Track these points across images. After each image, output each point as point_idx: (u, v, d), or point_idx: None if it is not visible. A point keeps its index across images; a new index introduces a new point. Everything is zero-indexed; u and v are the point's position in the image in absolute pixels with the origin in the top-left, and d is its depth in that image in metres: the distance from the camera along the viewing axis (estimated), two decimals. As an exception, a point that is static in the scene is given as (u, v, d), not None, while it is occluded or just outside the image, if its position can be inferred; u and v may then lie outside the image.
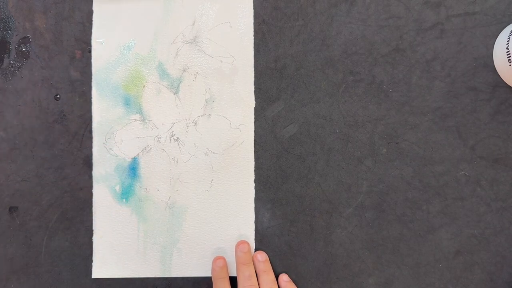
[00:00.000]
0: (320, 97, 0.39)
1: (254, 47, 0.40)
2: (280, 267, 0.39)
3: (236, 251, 0.38)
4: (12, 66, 0.41)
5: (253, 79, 0.40)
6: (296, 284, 0.38)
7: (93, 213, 0.40)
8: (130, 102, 0.41)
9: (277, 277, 0.38)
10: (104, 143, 0.41)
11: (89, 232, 0.40)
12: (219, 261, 0.38)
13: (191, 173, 0.40)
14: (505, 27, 0.37)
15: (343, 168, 0.39)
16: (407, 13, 0.39)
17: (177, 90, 0.40)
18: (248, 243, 0.38)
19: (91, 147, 0.41)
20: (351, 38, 0.39)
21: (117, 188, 0.40)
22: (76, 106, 0.41)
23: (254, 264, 0.38)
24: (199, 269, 0.39)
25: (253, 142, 0.40)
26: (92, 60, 0.41)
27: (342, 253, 0.38)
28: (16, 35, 0.41)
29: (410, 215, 0.38)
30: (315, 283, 0.38)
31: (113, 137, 0.41)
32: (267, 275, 0.37)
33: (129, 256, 0.40)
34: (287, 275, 0.38)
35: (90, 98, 0.41)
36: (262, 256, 0.38)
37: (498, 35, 0.37)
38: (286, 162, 0.39)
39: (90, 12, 0.41)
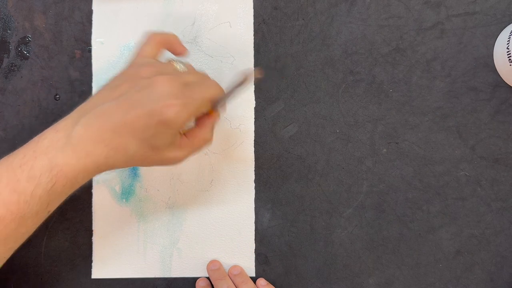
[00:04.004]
0: (320, 97, 0.39)
1: (254, 47, 0.40)
2: (280, 267, 0.39)
3: (208, 272, 0.39)
4: (12, 66, 0.41)
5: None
6: (296, 284, 0.38)
7: (93, 213, 0.40)
8: (130, 102, 0.41)
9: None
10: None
11: (89, 232, 0.40)
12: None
13: (191, 173, 0.40)
14: (505, 27, 0.37)
15: (343, 168, 0.39)
16: (407, 13, 0.38)
17: (177, 90, 0.40)
18: (217, 261, 0.39)
19: (91, 147, 0.41)
20: (351, 38, 0.39)
21: (117, 188, 0.40)
22: (76, 106, 0.41)
23: (231, 279, 0.38)
24: (199, 269, 0.39)
25: (253, 142, 0.40)
26: (92, 60, 0.41)
27: (342, 253, 0.38)
28: (16, 35, 0.41)
29: (410, 215, 0.38)
30: (315, 283, 0.38)
31: (113, 137, 0.40)
32: (246, 285, 0.37)
33: (129, 256, 0.40)
34: (264, 279, 0.38)
35: (90, 98, 0.41)
36: (236, 269, 0.38)
37: (498, 35, 0.37)
38: (286, 162, 0.39)
39: (90, 12, 0.41)
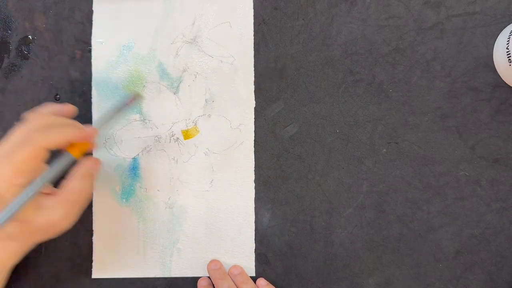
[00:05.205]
0: (320, 97, 0.39)
1: (254, 47, 0.40)
2: (280, 267, 0.39)
3: (209, 271, 0.39)
4: (12, 66, 0.41)
5: (253, 79, 0.40)
6: (296, 284, 0.38)
7: (93, 213, 0.40)
8: (130, 102, 0.41)
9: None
10: (104, 143, 0.40)
11: (89, 232, 0.40)
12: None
13: (191, 173, 0.40)
14: (505, 27, 0.37)
15: (343, 168, 0.39)
16: (407, 13, 0.38)
17: (177, 90, 0.40)
18: (218, 261, 0.39)
19: (91, 147, 0.41)
20: (351, 38, 0.39)
21: (117, 188, 0.40)
22: (76, 106, 0.41)
23: (232, 279, 0.38)
24: (199, 269, 0.39)
25: (253, 142, 0.40)
26: (92, 60, 0.41)
27: (342, 253, 0.38)
28: (16, 35, 0.41)
29: (410, 215, 0.38)
30: (315, 283, 0.38)
31: (113, 137, 0.41)
32: (246, 285, 0.37)
33: (129, 256, 0.40)
34: (264, 279, 0.38)
35: (90, 98, 0.41)
36: (236, 269, 0.38)
37: (498, 35, 0.37)
38: (286, 162, 0.39)
39: (90, 12, 0.41)
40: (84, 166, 0.31)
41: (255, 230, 0.39)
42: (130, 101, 0.35)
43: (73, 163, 0.31)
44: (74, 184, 0.31)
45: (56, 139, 0.29)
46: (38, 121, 0.30)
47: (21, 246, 0.32)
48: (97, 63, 0.41)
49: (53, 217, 0.30)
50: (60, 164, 0.30)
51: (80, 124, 0.32)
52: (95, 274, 0.40)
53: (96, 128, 0.31)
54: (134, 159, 0.40)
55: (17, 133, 0.30)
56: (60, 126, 0.30)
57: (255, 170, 0.40)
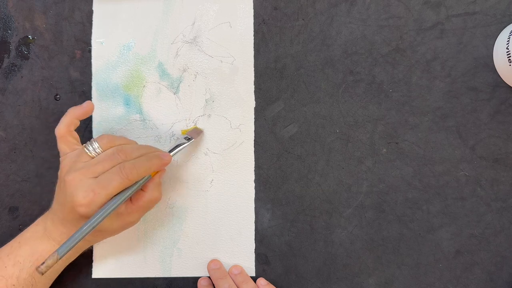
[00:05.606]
0: (320, 97, 0.39)
1: (254, 47, 0.40)
2: (280, 267, 0.39)
3: (209, 271, 0.39)
4: (12, 66, 0.41)
5: (253, 79, 0.40)
6: (296, 284, 0.38)
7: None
8: (130, 102, 0.41)
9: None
10: (104, 143, 0.40)
11: (89, 232, 0.40)
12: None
13: (191, 173, 0.40)
14: (505, 27, 0.37)
15: (343, 168, 0.39)
16: (407, 13, 0.39)
17: (177, 90, 0.40)
18: (218, 260, 0.39)
19: (91, 147, 0.41)
20: (351, 38, 0.39)
21: (117, 188, 0.40)
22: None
23: (232, 279, 0.38)
24: (199, 269, 0.39)
25: (253, 142, 0.40)
26: (92, 60, 0.41)
27: (342, 253, 0.38)
28: (16, 35, 0.41)
29: (410, 215, 0.38)
30: (315, 283, 0.38)
31: (113, 137, 0.40)
32: (247, 284, 0.37)
33: (129, 256, 0.40)
34: (264, 279, 0.38)
35: (90, 98, 0.41)
36: (237, 269, 0.39)
37: (498, 35, 0.37)
38: (286, 162, 0.39)
39: (90, 12, 0.41)
40: (156, 177, 0.36)
41: (255, 230, 0.39)
42: (194, 135, 0.38)
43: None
44: (149, 194, 0.35)
45: (145, 173, 0.34)
46: (125, 154, 0.34)
47: (88, 244, 0.37)
48: (97, 63, 0.41)
49: (129, 221, 0.35)
50: (139, 183, 0.34)
51: (156, 149, 0.36)
52: (95, 274, 0.40)
53: (171, 155, 0.36)
54: (134, 159, 0.40)
55: (107, 164, 0.33)
56: (145, 159, 0.34)
57: (255, 170, 0.40)
